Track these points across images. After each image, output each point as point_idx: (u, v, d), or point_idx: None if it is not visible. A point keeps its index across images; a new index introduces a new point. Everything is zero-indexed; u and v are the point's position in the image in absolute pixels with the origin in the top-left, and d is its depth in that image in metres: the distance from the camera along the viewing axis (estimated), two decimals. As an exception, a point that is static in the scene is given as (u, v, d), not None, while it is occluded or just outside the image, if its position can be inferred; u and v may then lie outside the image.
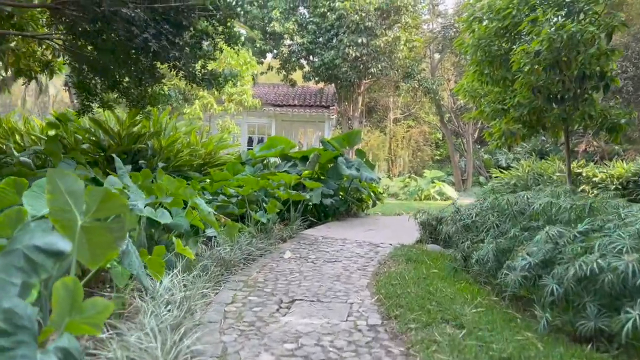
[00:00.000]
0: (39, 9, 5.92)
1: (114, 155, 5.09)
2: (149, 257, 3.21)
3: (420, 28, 23.19)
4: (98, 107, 6.76)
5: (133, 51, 5.49)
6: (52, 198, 2.19)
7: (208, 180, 7.00)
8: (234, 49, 5.95)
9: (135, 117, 7.03)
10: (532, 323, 3.04)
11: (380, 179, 8.24)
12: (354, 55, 19.42)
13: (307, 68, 22.36)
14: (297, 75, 25.52)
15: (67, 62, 6.24)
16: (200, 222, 4.35)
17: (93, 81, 6.35)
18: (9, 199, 2.77)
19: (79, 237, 2.20)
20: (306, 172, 7.57)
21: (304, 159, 7.94)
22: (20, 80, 7.93)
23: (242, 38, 17.12)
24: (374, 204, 8.52)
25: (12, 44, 6.37)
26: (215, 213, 4.84)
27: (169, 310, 2.83)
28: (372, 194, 8.64)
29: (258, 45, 21.50)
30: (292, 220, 6.73)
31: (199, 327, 2.82)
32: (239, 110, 17.48)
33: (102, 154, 7.24)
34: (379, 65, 19.57)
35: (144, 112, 7.36)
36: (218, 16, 5.52)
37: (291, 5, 21.43)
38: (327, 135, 21.41)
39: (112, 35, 5.05)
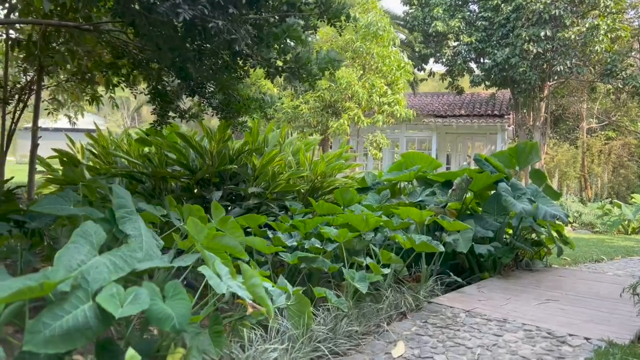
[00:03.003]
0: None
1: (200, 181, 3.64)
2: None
3: (625, 13, 18.77)
4: (177, 117, 5.53)
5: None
6: None
7: (306, 216, 5.27)
8: (334, 25, 4.12)
9: (227, 130, 5.66)
10: None
11: (568, 216, 5.59)
12: (535, 51, 16.23)
13: (476, 72, 19.61)
14: (464, 82, 22.80)
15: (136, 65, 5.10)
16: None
17: (165, 84, 5.11)
18: None
19: None
20: (452, 204, 5.37)
21: (451, 183, 5.73)
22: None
23: (397, 40, 15.30)
24: (559, 252, 5.89)
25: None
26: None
27: None
28: (554, 235, 6.01)
29: (417, 49, 19.48)
30: (423, 277, 4.62)
31: None
32: (389, 123, 15.63)
33: (192, 177, 6.02)
34: (568, 62, 16.02)
35: (240, 123, 5.95)
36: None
37: (457, 2, 19.02)
38: (501, 149, 18.31)
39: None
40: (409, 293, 4.40)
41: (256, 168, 5.61)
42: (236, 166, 5.68)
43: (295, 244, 4.19)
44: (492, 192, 5.88)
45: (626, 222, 13.77)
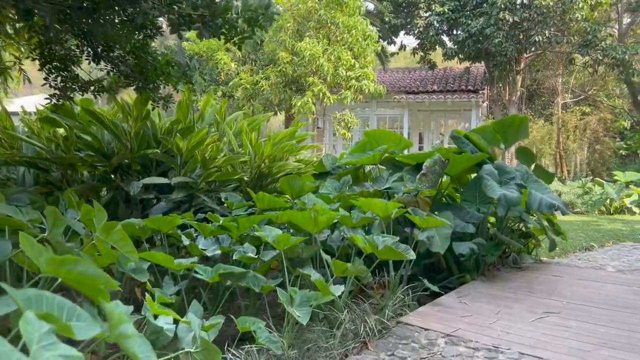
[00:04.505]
0: None
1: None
2: None
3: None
4: (80, 89, 4.41)
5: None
6: None
7: (248, 211, 4.27)
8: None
9: (145, 105, 4.58)
10: None
11: (567, 205, 4.71)
12: (511, 20, 15.40)
13: (448, 44, 18.73)
14: (436, 56, 21.93)
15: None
16: None
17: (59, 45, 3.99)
18: None
19: None
20: (425, 192, 4.43)
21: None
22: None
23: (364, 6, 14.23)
24: (552, 247, 5.04)
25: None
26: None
27: None
28: (546, 225, 5.15)
29: (387, 19, 18.44)
30: (391, 287, 3.69)
31: None
32: (358, 100, 14.65)
33: (107, 165, 4.93)
34: (546, 32, 15.25)
35: (164, 97, 4.87)
36: None
37: (429, -32, 18.01)
38: (476, 126, 17.54)
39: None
40: (372, 310, 3.46)
41: (182, 152, 4.55)
42: (157, 150, 4.61)
43: (218, 252, 3.19)
44: (474, 175, 4.97)
45: (608, 202, 13.19)
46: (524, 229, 5.37)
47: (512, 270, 4.94)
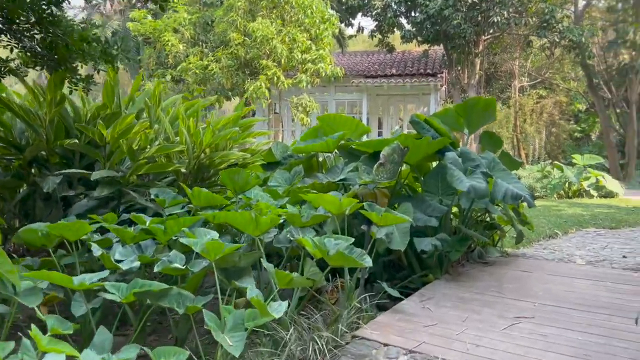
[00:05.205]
0: None
1: None
2: None
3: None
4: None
5: None
6: None
7: (185, 210, 3.75)
8: None
9: (60, 88, 3.96)
10: None
11: (534, 196, 4.39)
12: (469, 1, 15.15)
13: (407, 27, 18.39)
14: (395, 40, 21.59)
15: None
16: None
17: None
18: None
19: None
20: (383, 183, 4.01)
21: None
22: None
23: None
24: (519, 238, 4.74)
25: None
26: None
27: None
28: (512, 215, 4.83)
29: (344, 0, 17.93)
30: (346, 293, 3.26)
31: None
32: (315, 83, 14.14)
33: (19, 157, 4.28)
34: (505, 13, 15.08)
35: (84, 78, 4.25)
36: None
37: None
38: (435, 111, 17.29)
39: None
40: (325, 322, 3.03)
41: (106, 142, 3.96)
42: (76, 140, 4.00)
43: (137, 265, 2.67)
44: (436, 163, 4.59)
45: (567, 185, 13.23)
46: (488, 220, 5.04)
47: (478, 266, 4.61)
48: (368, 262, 2.71)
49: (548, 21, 15.70)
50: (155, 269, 2.60)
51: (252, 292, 2.31)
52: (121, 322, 3.15)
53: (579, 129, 29.54)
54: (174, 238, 3.04)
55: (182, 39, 14.35)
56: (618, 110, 23.31)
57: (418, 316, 3.26)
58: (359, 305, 3.20)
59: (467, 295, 3.71)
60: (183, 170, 4.51)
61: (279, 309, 2.23)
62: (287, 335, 2.62)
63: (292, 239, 3.15)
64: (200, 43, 14.82)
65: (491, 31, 17.09)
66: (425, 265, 4.20)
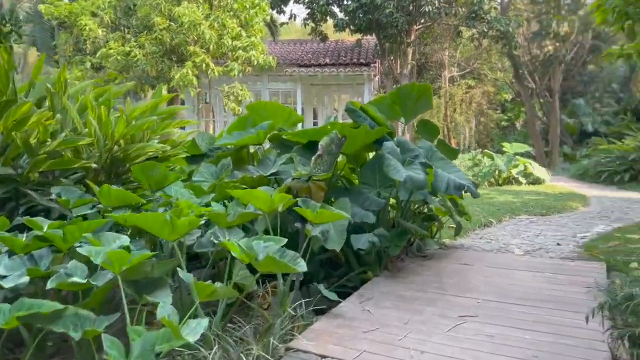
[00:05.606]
0: None
1: None
2: None
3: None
4: None
5: None
6: None
7: (95, 210, 3.30)
8: None
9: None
10: None
11: (477, 185, 4.27)
12: (401, -10, 15.14)
13: (339, 15, 18.20)
14: (328, 28, 21.40)
15: None
16: None
17: None
18: None
19: None
20: (323, 175, 3.73)
21: (316, 145, 4.04)
22: None
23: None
24: (458, 230, 4.63)
25: None
26: None
27: None
28: (450, 206, 4.71)
29: (275, -14, 17.48)
30: (279, 299, 2.96)
31: None
32: (246, 72, 13.66)
33: None
34: (436, 2, 15.20)
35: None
36: None
37: None
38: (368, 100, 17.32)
39: None
40: (255, 335, 2.72)
41: (-2, 134, 3.43)
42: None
43: (25, 280, 2.24)
44: (373, 154, 4.36)
45: (497, 173, 13.56)
46: (426, 211, 4.90)
47: (417, 260, 4.44)
48: (302, 266, 2.42)
49: (476, 12, 16.01)
50: (49, 285, 2.18)
51: (164, 310, 1.96)
52: (16, 343, 2.70)
53: (506, 117, 30.72)
54: (76, 246, 2.61)
55: (102, 24, 13.40)
56: (542, 100, 24.36)
57: (358, 320, 3.02)
58: (293, 312, 2.91)
59: (407, 294, 3.51)
60: (94, 165, 4.02)
61: (195, 329, 1.89)
62: (210, 354, 2.29)
63: (216, 242, 2.80)
64: (122, 28, 13.91)
65: (422, 21, 17.24)
66: (363, 261, 3.97)
